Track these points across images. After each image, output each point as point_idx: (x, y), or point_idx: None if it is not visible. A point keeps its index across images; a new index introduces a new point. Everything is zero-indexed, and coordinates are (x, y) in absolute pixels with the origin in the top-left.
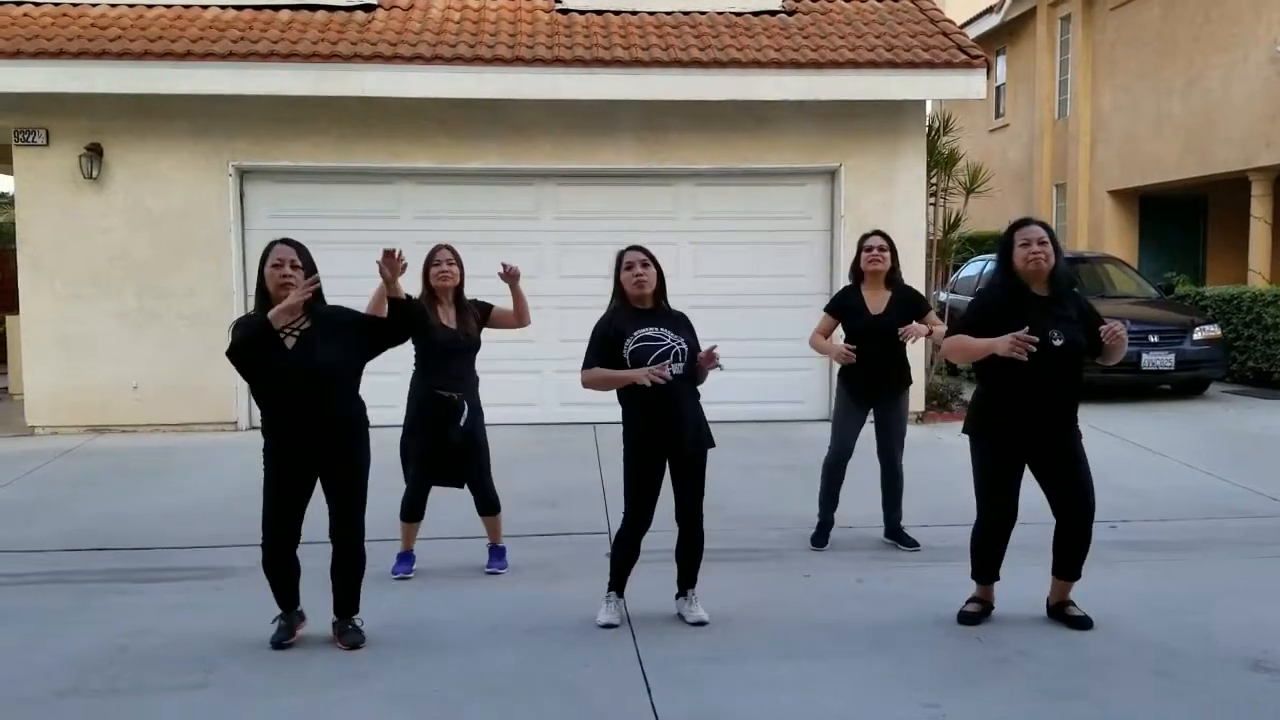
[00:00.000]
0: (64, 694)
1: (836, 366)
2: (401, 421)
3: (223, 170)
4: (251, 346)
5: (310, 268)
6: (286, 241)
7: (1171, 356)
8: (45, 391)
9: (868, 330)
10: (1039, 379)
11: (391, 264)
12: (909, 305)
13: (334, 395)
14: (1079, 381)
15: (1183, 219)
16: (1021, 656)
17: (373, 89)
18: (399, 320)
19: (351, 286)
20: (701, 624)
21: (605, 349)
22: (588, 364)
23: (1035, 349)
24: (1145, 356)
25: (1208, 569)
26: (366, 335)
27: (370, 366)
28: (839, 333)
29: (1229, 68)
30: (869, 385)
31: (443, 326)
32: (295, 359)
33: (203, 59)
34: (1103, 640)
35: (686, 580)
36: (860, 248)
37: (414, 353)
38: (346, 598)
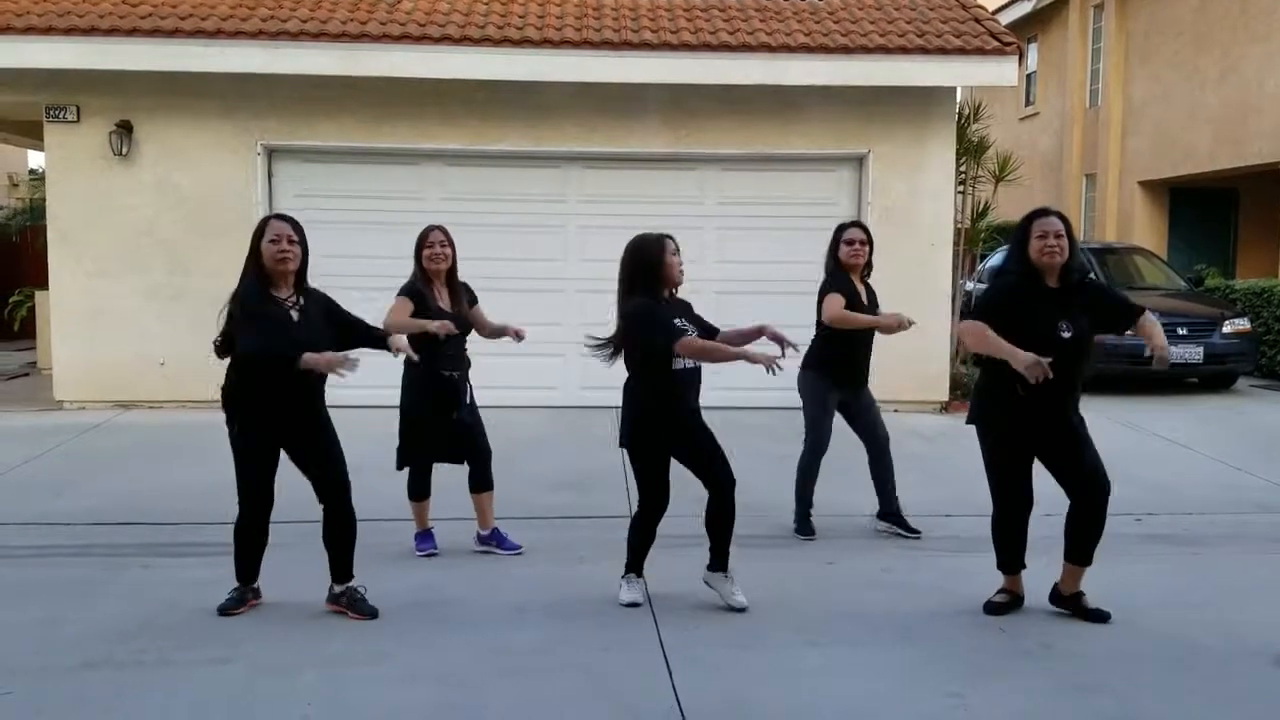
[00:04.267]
0: (91, 665)
1: None
2: (389, 401)
3: (251, 149)
4: (273, 340)
5: (304, 245)
6: (281, 217)
7: (1200, 350)
8: (73, 366)
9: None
10: (1054, 369)
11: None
12: (874, 296)
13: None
14: (1082, 373)
15: (1213, 211)
16: (1044, 649)
17: (401, 69)
18: (366, 344)
19: (377, 267)
20: (741, 610)
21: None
22: (677, 334)
23: (1046, 371)
24: (1173, 349)
25: (1233, 564)
26: (341, 333)
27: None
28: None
29: (1265, 58)
30: (847, 373)
31: (439, 309)
32: (299, 335)
33: (232, 37)
34: (1126, 634)
35: (719, 556)
36: (840, 240)
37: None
38: (337, 563)
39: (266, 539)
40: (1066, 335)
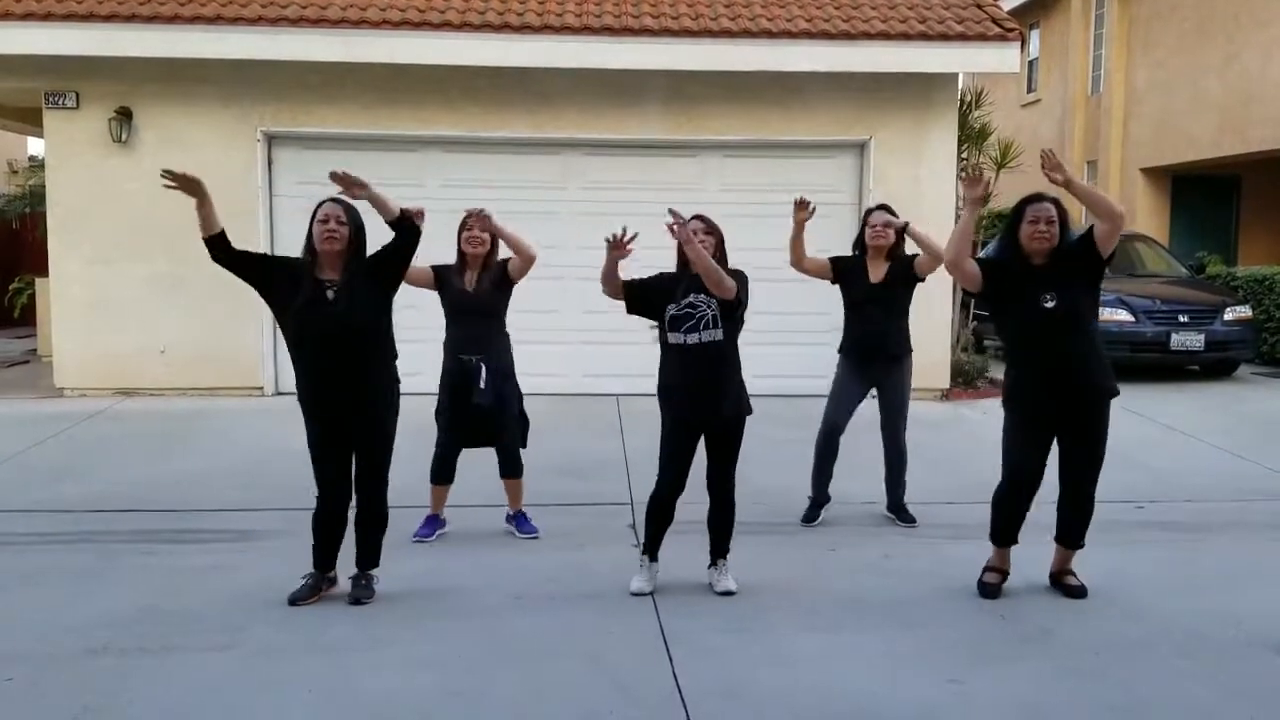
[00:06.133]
0: (94, 652)
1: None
2: (426, 389)
3: (251, 136)
4: (284, 271)
5: (358, 227)
6: (336, 200)
7: (1201, 337)
8: (74, 354)
9: (868, 297)
10: (1041, 341)
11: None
12: (906, 272)
13: (364, 350)
14: (1088, 342)
15: (1216, 198)
16: (1045, 635)
17: (401, 55)
18: (398, 232)
19: None
20: (728, 594)
21: (650, 285)
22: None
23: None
24: (1174, 336)
25: (1235, 551)
26: (385, 260)
27: (399, 335)
28: (839, 301)
29: (1268, 45)
30: (868, 353)
31: (464, 291)
32: (331, 311)
33: (232, 23)
34: (1127, 621)
35: (717, 550)
36: (865, 222)
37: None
38: (362, 551)
39: (338, 527)
40: (1049, 305)
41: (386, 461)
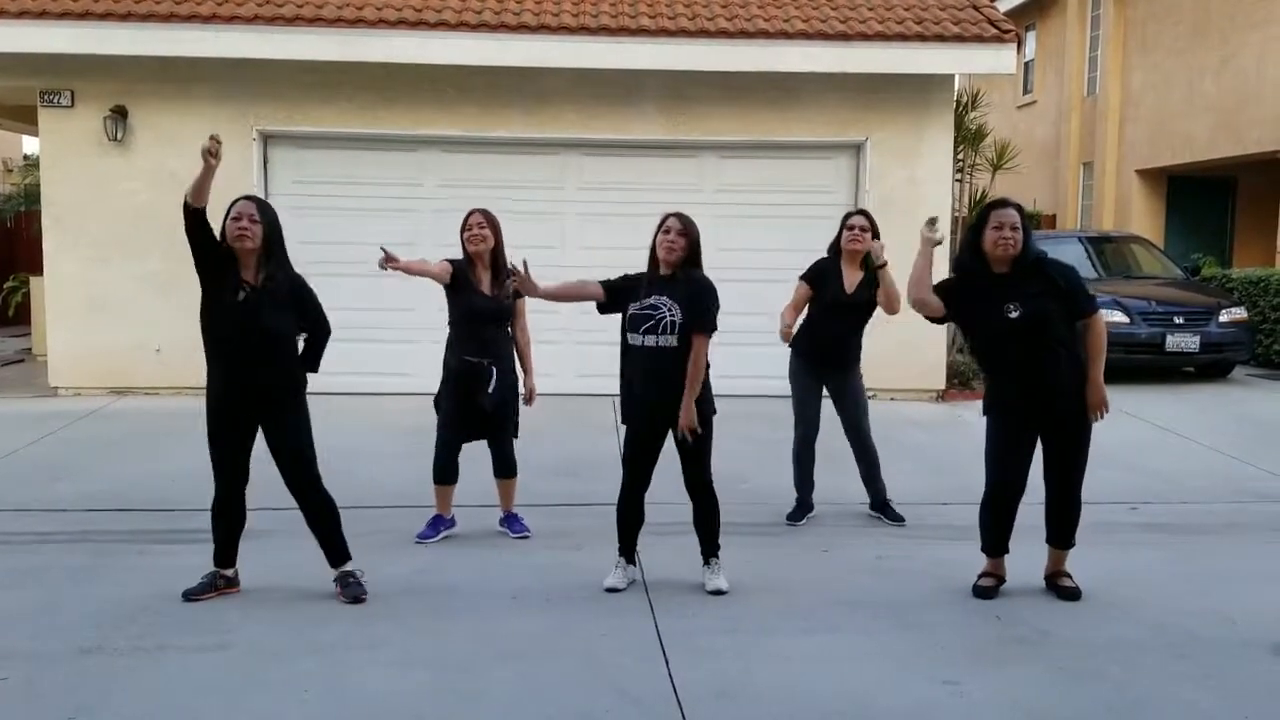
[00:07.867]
0: (87, 651)
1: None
2: (417, 389)
3: (247, 135)
4: (224, 264)
5: (271, 225)
6: (249, 198)
7: (1196, 339)
8: (68, 353)
9: (837, 304)
10: (1011, 351)
11: None
12: (873, 285)
13: (268, 354)
14: (1060, 349)
15: (1211, 199)
16: (1042, 636)
17: (398, 54)
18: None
19: (374, 253)
20: (719, 593)
21: (621, 286)
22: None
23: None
24: (1170, 338)
25: (1230, 553)
26: (305, 315)
27: (385, 335)
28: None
29: (1263, 46)
30: (823, 358)
31: (478, 292)
32: (236, 313)
33: (227, 22)
34: (1124, 622)
35: (707, 550)
36: (843, 225)
37: (448, 319)
38: (327, 548)
39: (232, 521)
40: (1014, 315)
41: (309, 450)
